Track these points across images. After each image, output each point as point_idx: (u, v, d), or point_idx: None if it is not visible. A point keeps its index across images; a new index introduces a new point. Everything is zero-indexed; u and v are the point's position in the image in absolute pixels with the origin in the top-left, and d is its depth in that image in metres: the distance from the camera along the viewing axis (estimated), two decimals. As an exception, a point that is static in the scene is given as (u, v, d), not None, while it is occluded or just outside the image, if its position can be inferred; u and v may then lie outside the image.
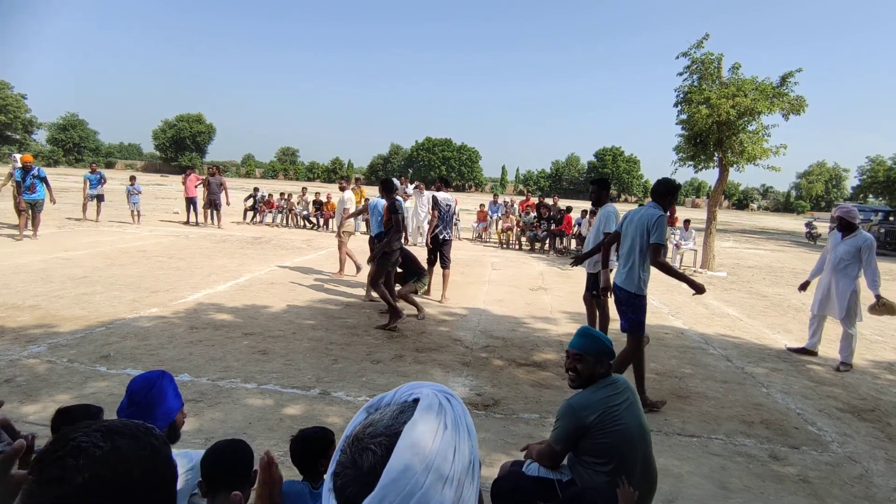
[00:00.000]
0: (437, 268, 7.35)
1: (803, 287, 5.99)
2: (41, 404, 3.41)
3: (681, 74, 11.74)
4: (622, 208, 5.81)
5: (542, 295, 8.10)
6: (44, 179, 10.25)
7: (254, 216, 16.29)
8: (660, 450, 3.38)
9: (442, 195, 7.42)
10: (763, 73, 11.48)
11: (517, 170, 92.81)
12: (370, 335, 5.45)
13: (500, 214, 15.38)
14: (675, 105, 12.06)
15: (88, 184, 13.42)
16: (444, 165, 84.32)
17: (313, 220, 15.88)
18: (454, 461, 0.60)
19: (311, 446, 1.93)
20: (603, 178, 5.49)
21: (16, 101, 61.39)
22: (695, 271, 11.47)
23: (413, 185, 14.73)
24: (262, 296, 6.80)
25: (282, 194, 17.21)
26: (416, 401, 0.65)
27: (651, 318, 6.92)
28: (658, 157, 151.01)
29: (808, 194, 76.36)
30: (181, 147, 78.17)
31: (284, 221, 16.13)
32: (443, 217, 7.25)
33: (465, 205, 21.81)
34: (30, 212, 10.06)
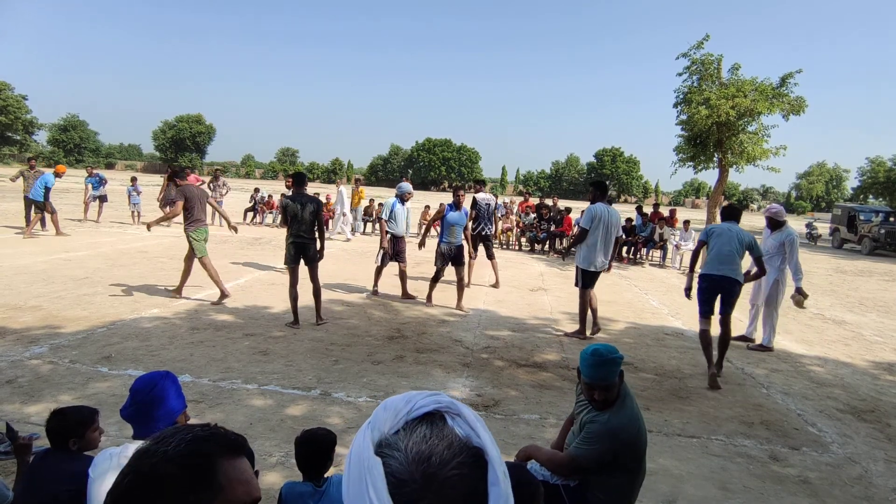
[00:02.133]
0: (441, 271, 7.40)
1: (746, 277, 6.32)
2: (43, 405, 3.41)
3: (680, 75, 11.81)
4: (620, 209, 5.91)
5: (542, 295, 8.11)
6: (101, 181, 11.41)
7: (254, 217, 16.31)
8: (660, 451, 3.39)
9: (481, 196, 8.30)
10: (763, 74, 11.49)
11: (517, 170, 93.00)
12: (371, 336, 5.46)
13: (500, 215, 15.39)
14: (675, 106, 12.11)
15: (90, 187, 13.46)
16: (443, 166, 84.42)
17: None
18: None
19: (316, 448, 1.94)
20: (601, 181, 6.01)
21: (16, 101, 61.39)
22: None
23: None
24: (262, 296, 6.81)
25: (282, 195, 17.20)
26: (428, 414, 0.62)
27: (651, 319, 6.96)
28: (658, 158, 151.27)
29: (809, 195, 76.44)
30: (181, 148, 78.22)
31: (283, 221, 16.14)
32: (482, 215, 8.12)
33: (466, 204, 21.97)
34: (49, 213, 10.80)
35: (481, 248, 8.40)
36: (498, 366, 4.84)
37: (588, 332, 5.91)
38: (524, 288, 8.62)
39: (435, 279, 6.90)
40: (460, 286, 6.80)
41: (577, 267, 5.94)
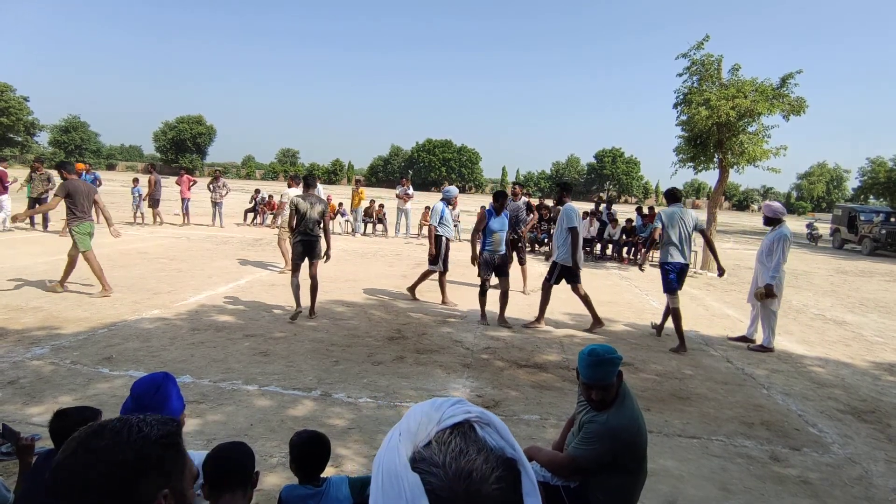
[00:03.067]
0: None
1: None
2: (45, 406, 3.42)
3: (680, 75, 11.78)
4: (621, 209, 5.98)
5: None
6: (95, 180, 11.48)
7: (254, 217, 16.32)
8: (660, 451, 3.39)
9: (513, 205, 8.05)
10: (763, 75, 11.48)
11: (517, 171, 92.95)
12: (371, 336, 5.47)
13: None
14: (675, 106, 12.09)
15: None
16: (444, 167, 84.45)
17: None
18: None
19: (316, 451, 1.95)
20: (566, 182, 6.50)
21: (18, 103, 61.47)
22: (694, 272, 11.47)
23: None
24: (262, 297, 6.82)
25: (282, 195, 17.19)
26: (458, 424, 0.61)
27: (651, 320, 6.95)
28: (658, 159, 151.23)
29: (810, 195, 76.38)
30: (182, 149, 78.28)
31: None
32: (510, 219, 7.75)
33: (466, 206, 21.93)
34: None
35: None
36: (498, 366, 4.84)
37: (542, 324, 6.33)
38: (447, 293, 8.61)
39: (483, 291, 6.30)
40: (503, 298, 6.33)
41: (555, 263, 6.19)
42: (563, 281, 6.22)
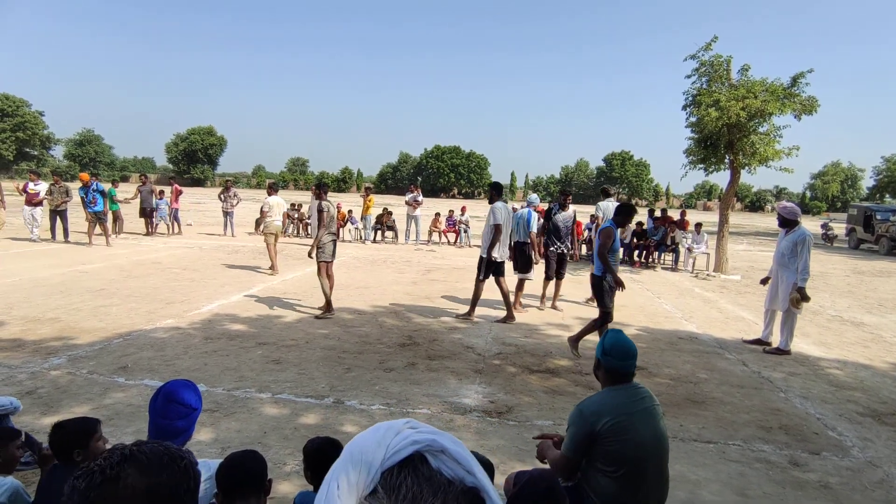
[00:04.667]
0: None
1: (764, 281, 6.37)
2: (62, 415, 3.46)
3: (689, 77, 11.71)
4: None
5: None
6: (102, 192, 11.77)
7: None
8: (676, 456, 3.34)
9: (562, 216, 7.63)
10: (774, 75, 11.38)
11: (526, 176, 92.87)
12: (382, 343, 5.47)
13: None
14: (684, 108, 12.03)
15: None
16: (452, 173, 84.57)
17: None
18: None
19: (329, 457, 1.95)
20: (497, 183, 6.78)
21: (34, 118, 62.82)
22: (708, 275, 11.36)
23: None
24: (274, 305, 6.86)
25: (292, 205, 17.32)
26: (406, 460, 0.54)
27: (664, 323, 6.90)
28: (668, 161, 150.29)
29: (824, 195, 75.38)
30: (193, 160, 79.19)
31: (295, 231, 16.24)
32: (559, 232, 7.58)
33: (475, 212, 21.94)
34: (97, 222, 11.70)
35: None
36: (510, 372, 4.82)
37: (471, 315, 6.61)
38: (535, 294, 8.57)
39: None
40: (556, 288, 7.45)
41: (482, 258, 6.56)
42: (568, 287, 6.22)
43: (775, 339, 5.98)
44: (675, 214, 13.95)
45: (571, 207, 7.74)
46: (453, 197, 79.26)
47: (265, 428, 3.49)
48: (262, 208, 9.85)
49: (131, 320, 5.82)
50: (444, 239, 16.09)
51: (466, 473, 0.54)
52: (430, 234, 15.84)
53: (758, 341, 6.12)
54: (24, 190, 11.92)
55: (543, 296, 7.68)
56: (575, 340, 5.38)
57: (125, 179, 71.88)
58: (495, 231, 6.43)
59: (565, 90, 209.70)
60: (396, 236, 15.85)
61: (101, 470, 0.68)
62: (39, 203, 11.95)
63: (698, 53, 11.33)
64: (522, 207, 7.62)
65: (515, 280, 7.33)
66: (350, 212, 16.10)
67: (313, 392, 4.12)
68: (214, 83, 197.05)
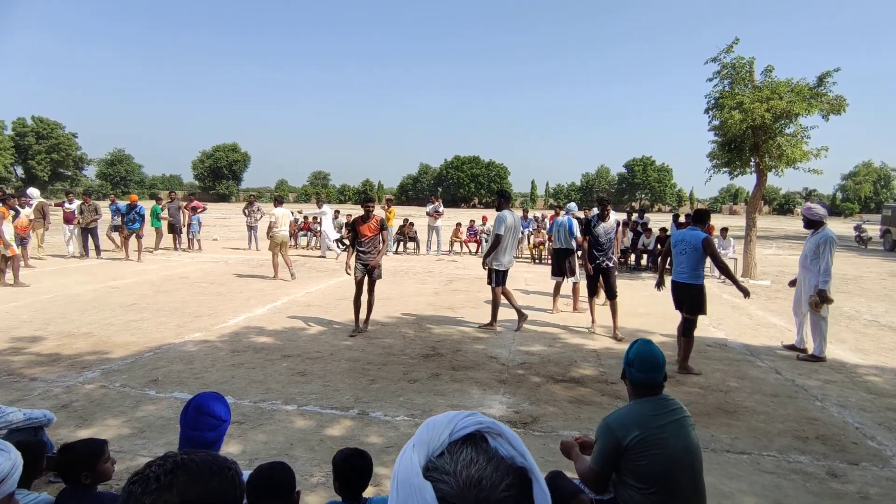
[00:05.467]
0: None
1: (792, 283, 6.27)
2: (96, 428, 3.56)
3: (711, 80, 11.54)
4: (654, 218, 5.84)
5: (571, 311, 7.99)
6: (142, 216, 12.63)
7: (295, 242, 16.67)
8: (708, 468, 3.25)
9: (604, 226, 6.79)
10: (799, 75, 11.12)
11: (546, 184, 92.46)
12: (406, 354, 5.49)
13: (531, 230, 15.32)
14: (706, 111, 11.85)
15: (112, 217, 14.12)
16: (472, 183, 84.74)
17: (346, 241, 16.12)
18: None
19: (357, 468, 1.97)
20: (504, 190, 6.87)
21: (67, 139, 65.29)
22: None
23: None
24: (299, 318, 6.95)
25: (314, 218, 17.54)
26: (470, 435, 0.64)
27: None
28: (691, 165, 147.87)
29: (856, 196, 73.15)
30: (218, 176, 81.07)
31: (318, 244, 16.42)
32: (599, 244, 6.72)
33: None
34: (133, 239, 12.44)
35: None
36: (535, 382, 4.78)
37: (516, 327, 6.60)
38: (559, 302, 8.50)
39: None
40: (613, 310, 6.54)
41: (489, 269, 6.53)
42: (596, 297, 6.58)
43: (811, 345, 5.80)
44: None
45: (613, 216, 7.00)
46: (474, 207, 79.29)
47: (292, 440, 3.52)
48: (270, 220, 10.43)
49: (161, 334, 5.95)
50: (465, 249, 16.11)
51: (518, 455, 0.63)
52: (452, 244, 15.87)
53: (792, 347, 5.97)
54: (62, 207, 12.82)
55: (576, 301, 7.91)
56: (684, 363, 5.19)
57: (154, 197, 74.12)
58: (494, 240, 6.48)
59: (584, 97, 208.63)
60: (418, 247, 15.92)
61: (155, 477, 0.72)
62: (79, 222, 12.47)
63: (719, 56, 11.17)
64: (563, 216, 7.89)
65: (570, 284, 7.96)
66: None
67: (338, 404, 4.15)
68: (237, 100, 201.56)
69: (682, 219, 13.79)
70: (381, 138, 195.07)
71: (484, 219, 16.33)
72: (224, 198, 77.40)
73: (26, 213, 10.41)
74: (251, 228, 15.47)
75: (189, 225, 14.84)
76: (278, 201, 10.84)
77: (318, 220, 15.12)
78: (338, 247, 14.19)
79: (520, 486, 0.59)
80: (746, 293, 5.13)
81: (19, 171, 63.35)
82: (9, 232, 8.69)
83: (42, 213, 12.00)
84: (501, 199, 6.75)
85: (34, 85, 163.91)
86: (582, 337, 6.41)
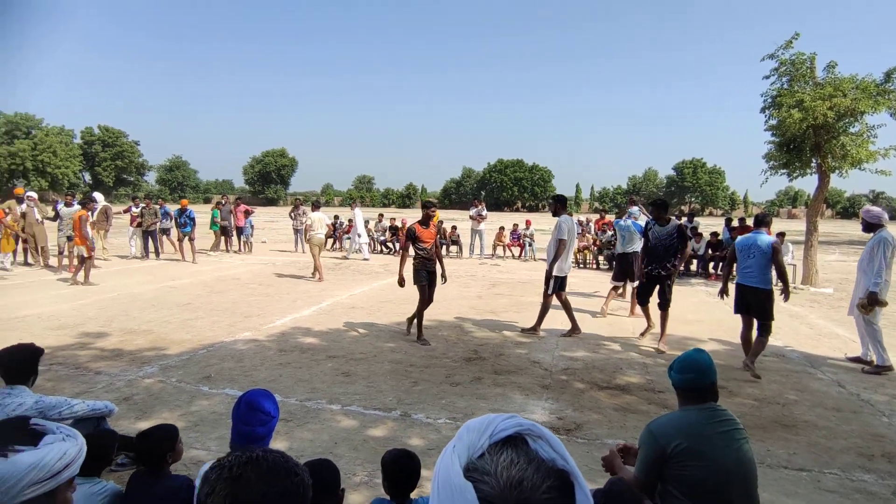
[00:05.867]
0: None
1: None
2: (154, 420, 3.74)
3: (767, 77, 11.02)
4: (706, 222, 5.64)
5: (622, 315, 7.79)
6: (192, 219, 13.14)
7: (334, 243, 17.05)
8: (763, 483, 3.10)
9: (658, 230, 6.24)
10: (864, 72, 10.45)
11: (591, 187, 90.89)
12: (448, 357, 5.50)
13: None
14: (763, 110, 11.32)
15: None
16: (516, 186, 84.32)
17: (390, 245, 16.35)
18: None
19: (406, 468, 2.00)
20: (560, 195, 6.74)
21: (130, 147, 69.33)
22: (795, 287, 10.54)
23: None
24: (343, 320, 7.09)
25: (308, 217, 17.80)
26: (510, 437, 0.64)
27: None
28: (746, 167, 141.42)
29: (930, 198, 68.12)
30: (267, 180, 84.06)
31: (349, 246, 16.69)
32: (654, 250, 6.17)
33: (540, 225, 21.65)
34: (186, 241, 12.95)
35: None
36: (578, 388, 4.69)
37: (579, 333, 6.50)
38: (609, 306, 8.31)
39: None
40: (663, 320, 6.14)
41: (547, 272, 6.43)
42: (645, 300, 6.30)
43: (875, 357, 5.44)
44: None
45: (673, 220, 6.22)
46: (517, 210, 78.77)
47: (336, 438, 3.59)
48: (306, 223, 10.91)
49: (214, 333, 6.21)
50: (508, 253, 16.01)
51: (559, 458, 0.62)
52: (495, 248, 15.81)
53: (857, 359, 5.65)
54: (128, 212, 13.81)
55: (606, 304, 7.78)
56: (752, 359, 5.15)
57: (207, 201, 77.32)
58: (559, 245, 6.33)
59: (631, 98, 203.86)
60: (461, 251, 15.95)
61: (229, 466, 0.78)
62: (139, 224, 13.22)
63: (777, 52, 10.65)
64: (625, 219, 7.91)
65: (631, 288, 7.91)
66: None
67: (381, 405, 4.20)
68: (285, 106, 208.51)
69: (735, 223, 13.24)
70: (424, 142, 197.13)
71: (528, 223, 16.19)
72: (272, 202, 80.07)
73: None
74: (297, 231, 15.91)
75: (241, 228, 15.34)
76: (315, 205, 11.23)
77: (351, 223, 15.38)
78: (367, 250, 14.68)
79: (562, 489, 0.59)
80: (787, 297, 5.35)
81: (87, 177, 67.66)
82: (90, 233, 9.32)
83: (105, 216, 12.74)
84: (558, 203, 6.63)
85: (100, 98, 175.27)
86: (627, 344, 6.25)
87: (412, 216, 20.56)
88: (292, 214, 16.13)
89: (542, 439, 0.64)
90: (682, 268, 12.83)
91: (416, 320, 6.22)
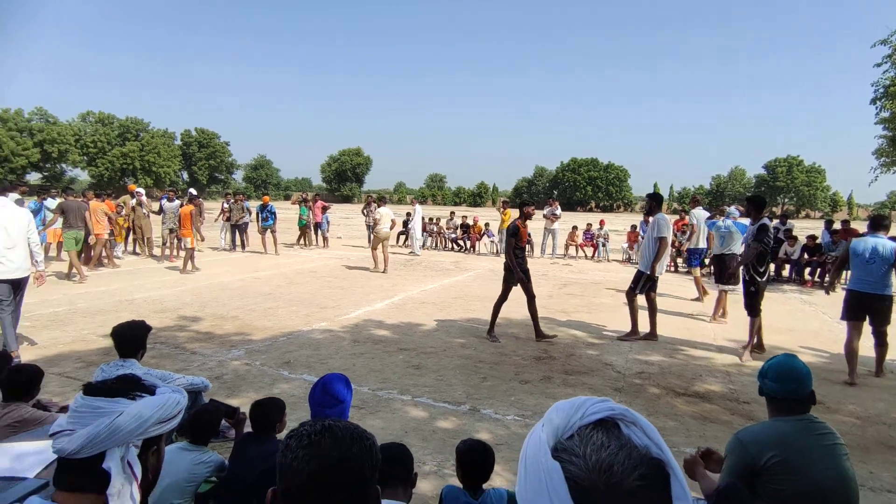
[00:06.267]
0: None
1: None
2: (241, 399, 4.02)
3: (879, 65, 10.01)
4: (801, 224, 5.23)
5: (701, 320, 7.38)
6: (273, 213, 13.88)
7: (405, 240, 17.43)
8: (863, 508, 2.84)
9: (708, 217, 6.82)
10: None
11: (671, 187, 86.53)
12: (518, 355, 5.47)
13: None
14: (873, 102, 10.29)
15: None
16: (589, 185, 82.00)
17: (461, 242, 16.46)
18: None
19: (479, 459, 2.03)
20: (656, 193, 6.49)
21: (221, 147, 74.62)
22: None
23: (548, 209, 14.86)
24: (415, 314, 7.24)
25: (431, 219, 18.14)
26: (602, 421, 0.61)
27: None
28: (850, 165, 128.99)
29: None
30: (343, 178, 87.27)
31: (434, 244, 16.97)
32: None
33: (615, 225, 20.90)
34: (268, 234, 13.69)
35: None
36: (653, 393, 4.50)
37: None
38: (682, 311, 7.92)
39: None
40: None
41: (642, 273, 6.18)
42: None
43: None
44: (860, 227, 11.92)
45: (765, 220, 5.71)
46: (590, 210, 76.63)
47: (406, 428, 3.68)
48: (373, 217, 11.61)
49: (293, 322, 6.55)
50: (580, 253, 15.62)
51: (654, 446, 0.59)
52: (567, 248, 15.48)
53: None
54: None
55: (716, 310, 7.45)
56: (879, 367, 5.21)
57: (287, 198, 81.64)
58: (660, 244, 6.06)
59: (716, 96, 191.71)
60: (532, 250, 15.76)
61: (307, 434, 0.85)
62: (228, 219, 14.19)
63: (890, 38, 9.64)
64: (722, 220, 7.61)
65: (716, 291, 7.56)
66: (487, 225, 16.42)
67: (450, 398, 4.26)
68: (362, 106, 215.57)
69: (836, 225, 12.12)
70: (496, 141, 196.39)
71: (601, 222, 15.71)
72: (347, 199, 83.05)
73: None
74: (370, 227, 16.40)
75: (318, 223, 16.06)
76: (381, 201, 12.15)
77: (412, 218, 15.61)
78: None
79: (655, 478, 0.56)
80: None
81: (185, 175, 73.60)
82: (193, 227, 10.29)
83: (199, 211, 13.80)
84: (653, 202, 6.41)
85: (196, 102, 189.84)
86: (705, 350, 5.91)
87: (483, 214, 20.63)
88: (365, 211, 16.65)
89: (636, 425, 0.61)
90: (771, 271, 11.96)
91: (492, 316, 6.20)
